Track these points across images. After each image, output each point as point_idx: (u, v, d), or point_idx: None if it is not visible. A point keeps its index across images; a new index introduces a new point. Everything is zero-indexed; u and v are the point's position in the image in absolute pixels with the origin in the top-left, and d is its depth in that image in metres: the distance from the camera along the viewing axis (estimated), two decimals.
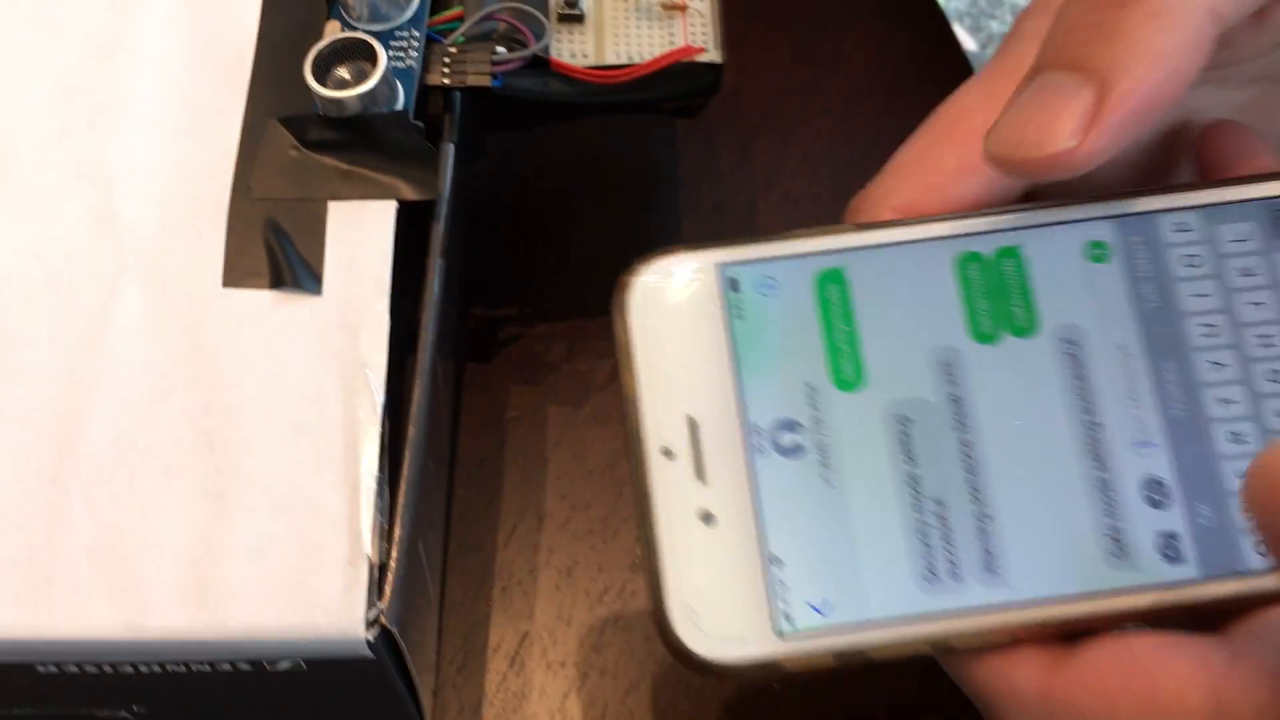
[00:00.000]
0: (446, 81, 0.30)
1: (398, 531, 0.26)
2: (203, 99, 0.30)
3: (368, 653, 0.25)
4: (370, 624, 0.25)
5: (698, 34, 0.33)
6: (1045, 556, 0.23)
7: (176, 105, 0.30)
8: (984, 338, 0.24)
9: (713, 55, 0.33)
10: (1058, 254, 0.25)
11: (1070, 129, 0.21)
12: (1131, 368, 0.24)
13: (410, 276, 0.28)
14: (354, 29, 0.30)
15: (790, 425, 0.24)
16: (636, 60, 0.32)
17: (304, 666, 0.26)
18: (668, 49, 0.33)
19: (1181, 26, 0.21)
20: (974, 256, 0.25)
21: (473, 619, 0.35)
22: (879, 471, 0.24)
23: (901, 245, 0.25)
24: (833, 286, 0.25)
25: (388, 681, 0.27)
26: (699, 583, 0.23)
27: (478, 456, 0.36)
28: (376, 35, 0.30)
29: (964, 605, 0.23)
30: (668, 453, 0.24)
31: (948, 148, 0.25)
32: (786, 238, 0.25)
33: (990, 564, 0.23)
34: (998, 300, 0.25)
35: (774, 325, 0.24)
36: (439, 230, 0.29)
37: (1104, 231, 0.25)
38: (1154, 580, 0.23)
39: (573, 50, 0.33)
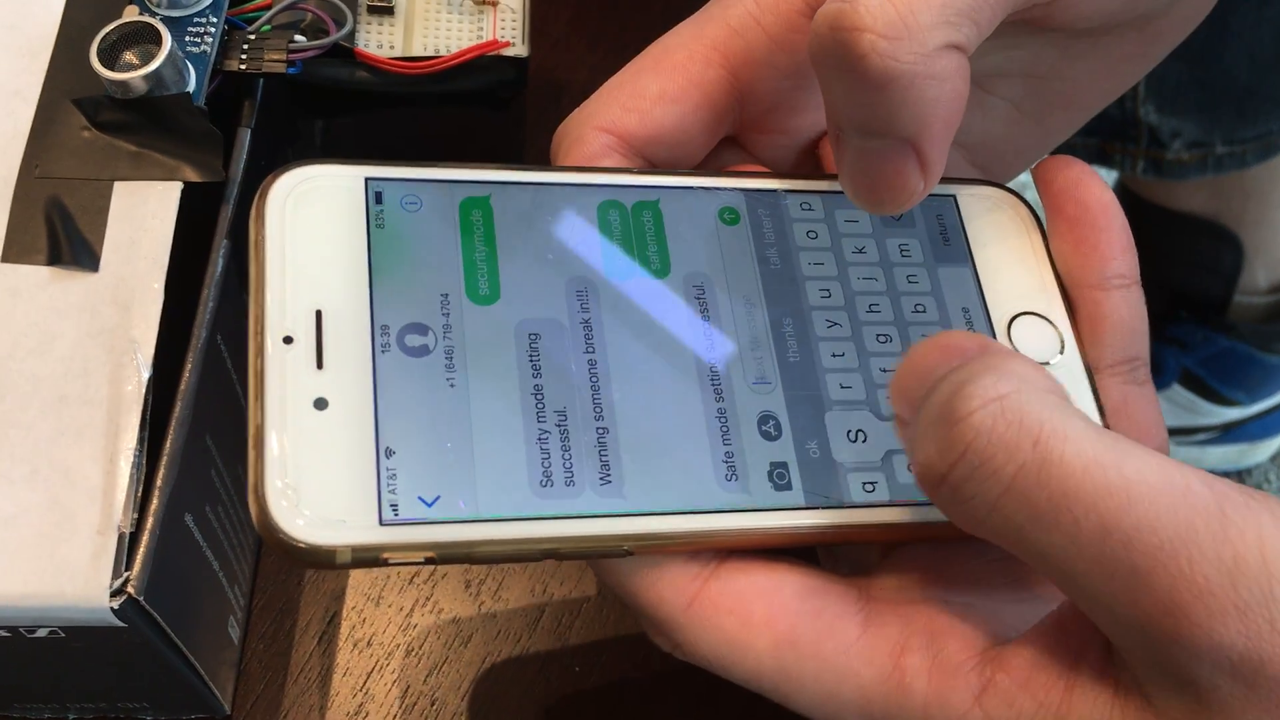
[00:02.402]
0: (243, 67, 0.31)
1: (154, 503, 0.26)
2: (1, 81, 0.30)
3: (115, 620, 0.25)
4: (116, 593, 0.25)
5: (507, 28, 0.34)
6: (661, 473, 0.24)
7: None
8: (618, 275, 0.26)
9: (519, 49, 0.34)
10: (692, 213, 0.27)
11: (913, 181, 0.25)
12: (754, 317, 0.26)
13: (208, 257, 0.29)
14: (153, 14, 0.31)
15: (419, 328, 0.24)
16: (444, 53, 0.33)
17: (61, 634, 0.26)
18: (476, 42, 0.33)
19: (940, 74, 0.23)
20: (614, 204, 0.27)
21: (285, 598, 0.35)
22: (504, 379, 0.24)
23: (548, 186, 0.26)
24: (476, 211, 0.26)
25: (151, 649, 0.27)
26: (303, 466, 0.22)
27: None
28: (174, 21, 0.31)
29: (575, 511, 0.23)
30: (288, 339, 0.23)
31: (652, 77, 0.27)
32: (442, 165, 0.26)
33: (606, 475, 0.24)
34: (633, 244, 0.26)
35: (413, 238, 0.25)
36: (226, 212, 0.30)
37: (737, 200, 0.27)
38: (762, 504, 0.24)
39: (380, 41, 0.33)
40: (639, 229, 0.27)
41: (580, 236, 0.26)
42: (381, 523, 0.22)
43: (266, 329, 0.23)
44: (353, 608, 0.35)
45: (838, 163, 0.25)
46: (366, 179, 0.25)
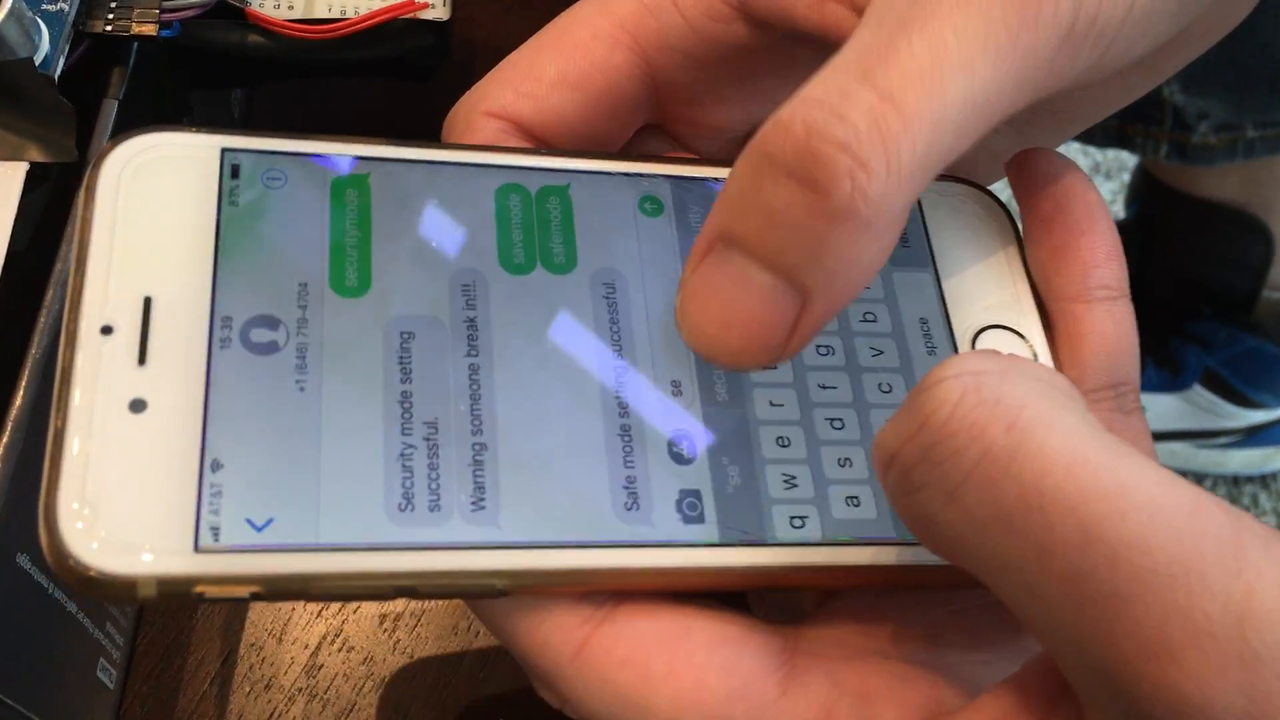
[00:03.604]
0: (109, 29, 0.27)
1: None
2: None
3: None
4: None
5: None
6: (546, 499, 0.20)
7: None
8: (515, 268, 0.22)
9: (439, 12, 0.29)
10: (607, 201, 0.23)
11: (775, 341, 0.20)
12: (672, 321, 0.22)
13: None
14: None
15: (268, 322, 0.21)
16: (351, 15, 0.29)
17: None
18: (389, 3, 0.29)
19: (884, 237, 0.19)
20: (516, 188, 0.23)
21: (174, 633, 0.31)
22: (365, 383, 0.21)
23: (438, 164, 0.23)
24: (351, 191, 0.22)
25: None
26: (108, 479, 0.19)
27: None
28: None
29: (437, 541, 0.20)
30: (107, 329, 0.20)
31: (551, 57, 0.24)
32: (316, 137, 0.22)
33: (480, 500, 0.20)
34: (535, 234, 0.23)
35: (272, 218, 0.21)
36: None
37: (661, 188, 0.24)
38: (666, 538, 0.21)
39: (278, 1, 0.29)
40: (543, 217, 0.23)
41: (472, 223, 0.22)
42: (197, 549, 0.19)
43: (81, 316, 0.20)
44: (252, 644, 0.31)
45: (686, 275, 0.20)
46: (223, 149, 0.22)
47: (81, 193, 0.21)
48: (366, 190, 0.22)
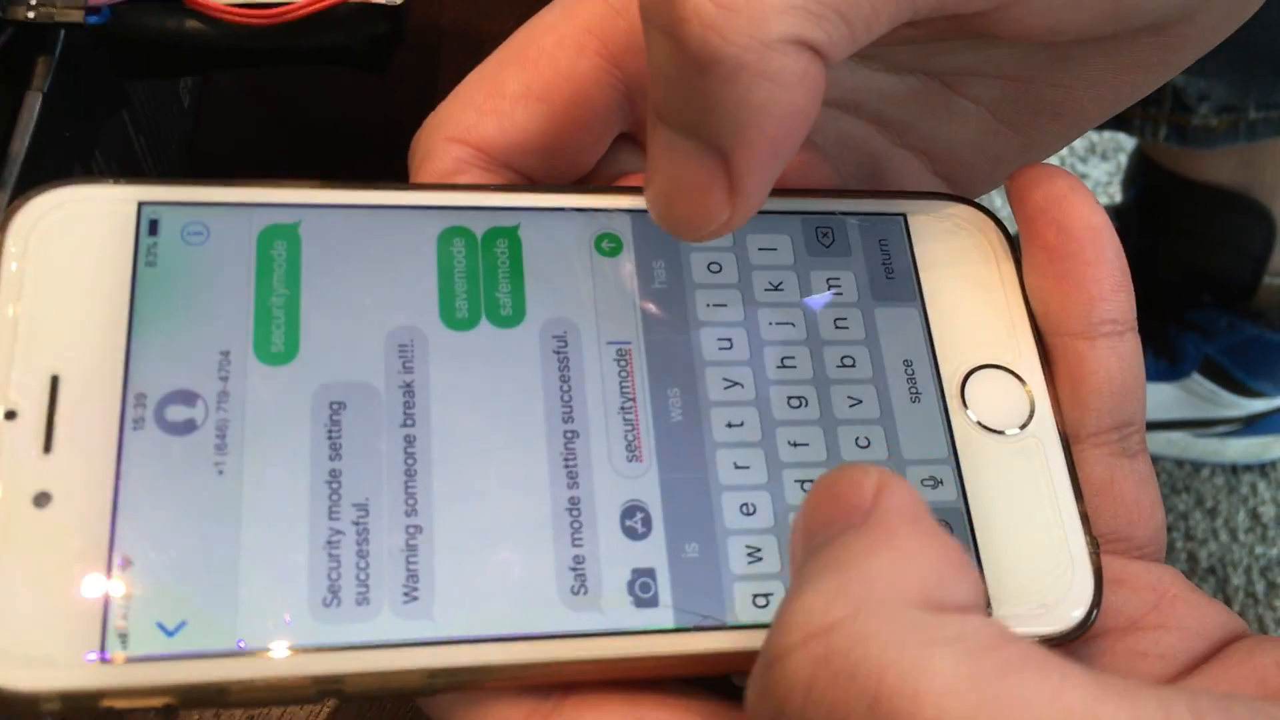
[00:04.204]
0: (32, 16, 0.25)
1: None
2: None
3: None
4: None
5: None
6: (484, 587, 0.19)
7: None
8: (457, 323, 0.21)
9: None
10: (560, 242, 0.22)
11: (717, 205, 0.19)
12: (629, 376, 0.21)
13: None
14: None
15: (186, 397, 0.19)
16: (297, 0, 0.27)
17: None
18: None
19: (768, 73, 0.18)
20: (460, 231, 0.21)
21: None
22: (290, 463, 0.19)
23: (376, 209, 0.21)
24: (280, 243, 0.21)
25: None
26: (8, 583, 0.18)
27: None
28: None
29: (365, 640, 0.19)
30: (11, 415, 0.19)
31: (515, 70, 0.22)
32: (243, 184, 0.21)
33: (413, 590, 0.19)
34: (480, 283, 0.21)
35: (192, 279, 0.20)
36: (2, 200, 0.24)
37: (620, 224, 0.22)
38: (615, 626, 0.19)
39: None
40: (490, 263, 0.21)
41: (412, 274, 0.21)
42: (104, 659, 0.18)
43: None
44: None
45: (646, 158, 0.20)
46: (140, 203, 0.20)
47: None
48: (296, 241, 0.21)
